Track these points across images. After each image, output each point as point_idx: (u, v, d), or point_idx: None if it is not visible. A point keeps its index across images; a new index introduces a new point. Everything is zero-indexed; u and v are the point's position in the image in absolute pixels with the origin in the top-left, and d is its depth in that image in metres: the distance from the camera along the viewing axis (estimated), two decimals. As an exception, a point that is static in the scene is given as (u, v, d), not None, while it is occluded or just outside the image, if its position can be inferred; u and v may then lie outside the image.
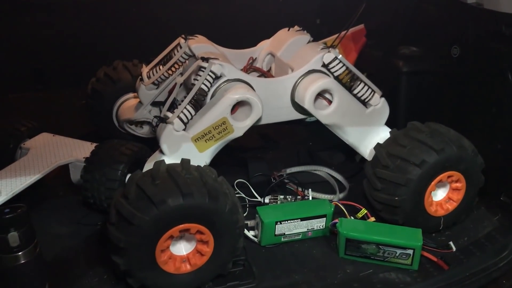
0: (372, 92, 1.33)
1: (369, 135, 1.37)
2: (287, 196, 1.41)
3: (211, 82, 1.23)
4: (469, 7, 1.48)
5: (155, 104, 1.53)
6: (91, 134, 1.60)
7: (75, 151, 1.40)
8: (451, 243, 1.27)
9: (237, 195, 1.24)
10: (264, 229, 1.24)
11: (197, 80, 1.22)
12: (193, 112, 1.21)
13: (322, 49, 1.31)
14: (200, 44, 1.38)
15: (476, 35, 1.49)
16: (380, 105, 1.35)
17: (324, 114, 1.31)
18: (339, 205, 1.33)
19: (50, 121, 1.71)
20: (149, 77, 1.49)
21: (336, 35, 1.47)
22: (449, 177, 1.27)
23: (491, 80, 1.44)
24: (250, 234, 1.28)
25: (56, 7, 2.16)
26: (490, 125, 1.45)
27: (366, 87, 1.32)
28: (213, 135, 1.22)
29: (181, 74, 1.42)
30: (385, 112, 1.37)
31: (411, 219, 1.27)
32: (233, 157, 1.56)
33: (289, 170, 1.56)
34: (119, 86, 1.65)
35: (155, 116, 1.51)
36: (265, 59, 1.49)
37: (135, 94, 1.58)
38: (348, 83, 1.31)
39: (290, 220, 1.25)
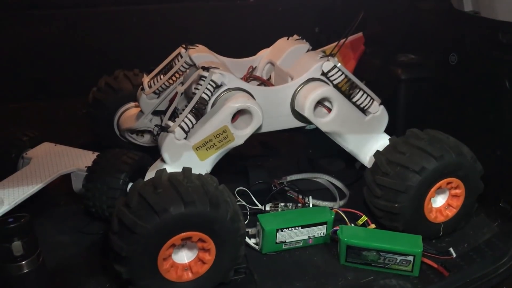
0: (371, 100, 1.34)
1: (368, 142, 1.38)
2: (288, 204, 1.42)
3: (211, 91, 1.24)
4: (467, 15, 1.49)
5: (156, 113, 1.54)
6: (93, 143, 1.61)
7: (77, 160, 1.40)
8: (451, 249, 1.28)
9: (238, 203, 1.24)
10: (265, 237, 1.25)
11: (198, 89, 1.23)
12: (194, 121, 1.22)
13: (321, 57, 1.32)
14: (200, 54, 1.39)
15: (473, 43, 1.50)
16: (379, 112, 1.36)
17: (324, 122, 1.32)
18: (340, 212, 1.34)
19: (52, 131, 1.72)
20: (150, 87, 1.50)
21: (335, 43, 1.48)
22: (448, 183, 1.28)
23: (489, 87, 1.45)
24: (251, 242, 1.28)
25: (57, 17, 2.17)
26: (488, 132, 1.46)
27: (365, 95, 1.33)
28: (214, 143, 1.23)
29: (182, 83, 1.43)
30: (384, 120, 1.38)
31: (411, 225, 1.28)
32: (234, 165, 1.56)
33: (289, 178, 1.57)
34: (120, 95, 1.66)
35: (156, 125, 1.51)
36: (265, 68, 1.50)
37: (136, 103, 1.59)
38: (347, 91, 1.32)
39: (291, 227, 1.26)
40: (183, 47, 1.44)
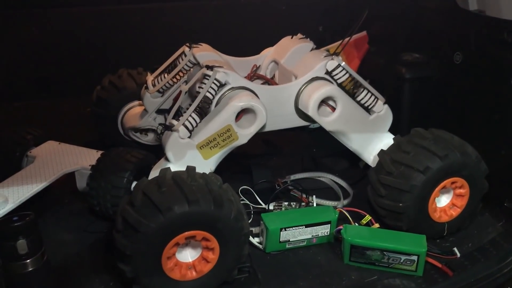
0: (375, 99, 1.34)
1: (372, 141, 1.38)
2: (292, 203, 1.42)
3: (215, 90, 1.24)
4: (472, 14, 1.49)
5: (160, 111, 1.54)
6: (97, 142, 1.61)
7: (81, 159, 1.40)
8: (455, 249, 1.28)
9: (241, 202, 1.25)
10: (269, 236, 1.25)
11: (202, 88, 1.23)
12: (198, 120, 1.22)
13: (325, 56, 1.32)
14: (204, 52, 1.39)
15: (478, 42, 1.50)
16: (383, 111, 1.36)
17: (328, 121, 1.32)
18: (344, 211, 1.33)
19: (56, 129, 1.72)
20: (154, 85, 1.50)
21: (339, 42, 1.48)
22: (453, 183, 1.28)
23: (493, 86, 1.45)
24: (255, 241, 1.28)
25: (60, 16, 2.18)
26: (493, 131, 1.46)
27: (369, 94, 1.33)
28: (217, 142, 1.23)
29: (186, 82, 1.43)
30: (389, 119, 1.37)
31: (415, 225, 1.28)
32: (238, 164, 1.56)
33: (293, 177, 1.57)
34: (124, 94, 1.66)
35: (160, 124, 1.52)
36: (269, 67, 1.50)
37: (140, 102, 1.60)
38: (351, 90, 1.32)
39: (294, 226, 1.25)
40: (187, 46, 1.44)
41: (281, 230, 1.24)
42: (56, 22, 2.18)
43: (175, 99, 1.45)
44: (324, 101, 1.30)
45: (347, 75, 1.31)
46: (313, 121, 1.33)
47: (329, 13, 2.33)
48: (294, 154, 1.77)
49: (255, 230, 1.30)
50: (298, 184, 1.49)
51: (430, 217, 1.29)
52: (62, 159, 1.41)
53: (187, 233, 1.03)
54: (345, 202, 1.47)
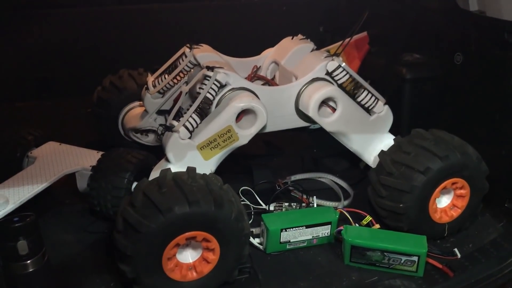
0: (376, 100, 1.34)
1: (373, 142, 1.38)
2: (292, 204, 1.42)
3: (216, 90, 1.24)
4: (472, 15, 1.49)
5: (160, 112, 1.54)
6: (97, 142, 1.61)
7: (82, 160, 1.40)
8: (456, 249, 1.28)
9: (242, 202, 1.25)
10: (269, 237, 1.25)
11: (202, 88, 1.23)
12: (198, 121, 1.22)
13: (325, 57, 1.32)
14: (205, 53, 1.39)
15: (479, 43, 1.50)
16: (384, 112, 1.36)
17: (328, 121, 1.32)
18: (344, 212, 1.33)
19: (57, 130, 1.72)
20: (154, 86, 1.50)
21: (340, 42, 1.48)
22: (453, 184, 1.28)
23: (494, 86, 1.45)
24: (255, 241, 1.28)
25: (61, 16, 2.18)
26: (493, 132, 1.46)
27: (369, 95, 1.33)
28: (218, 143, 1.23)
29: (186, 83, 1.43)
30: (389, 120, 1.37)
31: (416, 226, 1.28)
32: (238, 164, 1.56)
33: (293, 178, 1.57)
34: (124, 95, 1.66)
35: (160, 125, 1.51)
36: (269, 68, 1.50)
37: (141, 102, 1.60)
38: (351, 90, 1.32)
39: (295, 227, 1.25)
40: (187, 47, 1.44)
41: (281, 230, 1.25)
42: (56, 22, 2.18)
43: (176, 100, 1.45)
44: (324, 102, 1.30)
45: (347, 76, 1.31)
46: (314, 122, 1.33)
47: (329, 13, 2.33)
48: (294, 155, 1.77)
49: (255, 230, 1.30)
50: (298, 184, 1.49)
51: (431, 218, 1.29)
52: (63, 160, 1.41)
53: (187, 234, 1.03)
54: (346, 202, 1.47)
